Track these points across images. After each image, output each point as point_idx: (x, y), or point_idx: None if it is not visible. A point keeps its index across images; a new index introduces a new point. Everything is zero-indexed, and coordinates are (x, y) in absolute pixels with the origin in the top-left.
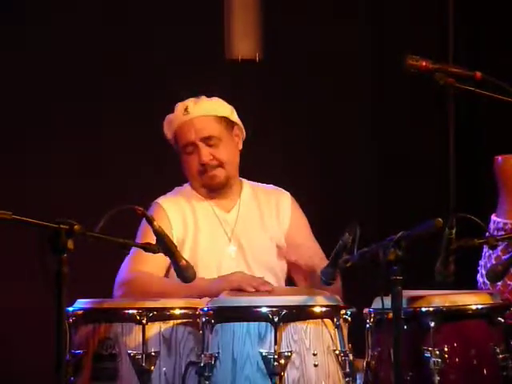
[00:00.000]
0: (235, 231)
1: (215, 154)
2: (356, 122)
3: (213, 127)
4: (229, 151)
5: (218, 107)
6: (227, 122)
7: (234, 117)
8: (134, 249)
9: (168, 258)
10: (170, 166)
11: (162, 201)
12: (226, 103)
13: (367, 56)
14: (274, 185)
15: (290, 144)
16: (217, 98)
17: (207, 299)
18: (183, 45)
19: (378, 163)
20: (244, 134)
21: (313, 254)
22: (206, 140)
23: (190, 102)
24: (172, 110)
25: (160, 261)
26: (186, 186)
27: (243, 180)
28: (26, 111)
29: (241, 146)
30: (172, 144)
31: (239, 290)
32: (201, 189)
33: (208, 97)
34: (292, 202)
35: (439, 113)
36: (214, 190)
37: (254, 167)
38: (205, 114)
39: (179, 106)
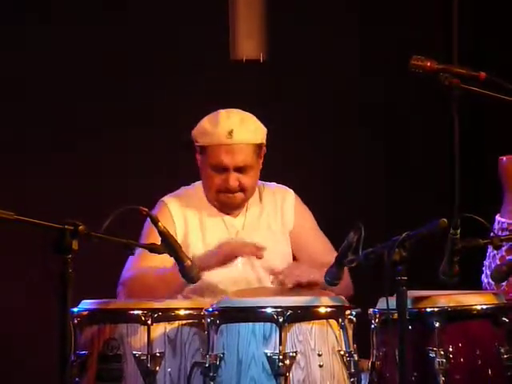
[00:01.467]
0: (242, 235)
1: (242, 180)
2: (361, 121)
3: (250, 157)
4: (254, 178)
5: (258, 134)
6: (260, 147)
7: (265, 138)
8: (138, 249)
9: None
10: (173, 166)
11: (168, 200)
12: (263, 126)
13: (370, 56)
14: (276, 182)
15: (294, 144)
16: (256, 121)
17: (212, 300)
18: (187, 45)
19: (382, 163)
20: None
21: (322, 252)
22: (239, 168)
23: (235, 126)
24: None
25: (164, 260)
26: (194, 186)
27: None
28: (26, 111)
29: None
30: (194, 142)
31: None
32: (214, 202)
33: (246, 114)
34: (296, 200)
35: (444, 113)
36: (228, 208)
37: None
38: (246, 143)
39: (223, 125)
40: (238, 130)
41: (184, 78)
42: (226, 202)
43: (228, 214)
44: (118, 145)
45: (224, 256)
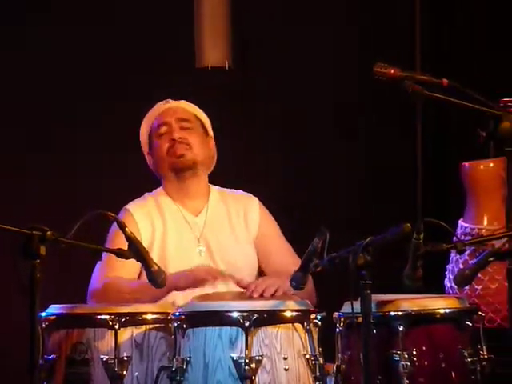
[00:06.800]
0: (204, 233)
1: (186, 135)
2: (324, 127)
3: (190, 115)
4: (199, 141)
5: (198, 111)
6: (203, 128)
7: (211, 131)
8: (104, 255)
9: (139, 264)
10: (141, 171)
11: (131, 206)
12: (204, 114)
13: (336, 60)
14: (242, 190)
15: (258, 150)
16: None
17: (178, 304)
18: (154, 53)
19: (346, 169)
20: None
21: (286, 259)
22: (181, 121)
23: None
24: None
25: (131, 267)
26: (156, 191)
27: (211, 186)
28: (24, 111)
29: (214, 159)
30: (144, 146)
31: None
32: (169, 173)
33: None
34: (260, 207)
35: (407, 119)
36: (181, 171)
37: (223, 173)
38: (184, 106)
39: (159, 103)
40: (173, 101)
41: (154, 84)
42: (177, 162)
43: (186, 199)
44: (89, 150)
45: (193, 280)
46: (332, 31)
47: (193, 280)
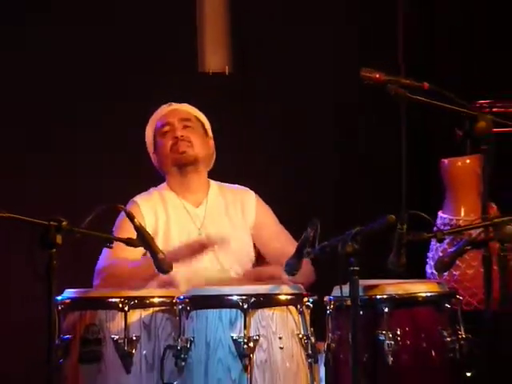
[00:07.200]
0: (204, 223)
1: (188, 134)
2: (324, 127)
3: (191, 116)
4: (200, 140)
5: (199, 113)
6: (204, 128)
7: (210, 132)
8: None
9: (145, 250)
10: (140, 171)
11: (138, 199)
12: (203, 115)
13: (336, 60)
14: (239, 185)
15: (258, 150)
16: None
17: (183, 289)
18: (154, 53)
19: (346, 169)
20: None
21: (285, 244)
22: (183, 121)
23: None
24: (148, 115)
25: (134, 250)
26: (160, 186)
27: (210, 180)
28: (26, 111)
29: (213, 157)
30: (150, 146)
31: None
32: (173, 168)
33: None
34: (257, 200)
35: (393, 115)
36: (184, 166)
37: (224, 173)
38: (186, 108)
39: (162, 106)
40: (176, 104)
41: (156, 88)
42: (180, 158)
43: (188, 193)
44: (91, 147)
45: (192, 250)
46: (332, 31)
47: (191, 251)
